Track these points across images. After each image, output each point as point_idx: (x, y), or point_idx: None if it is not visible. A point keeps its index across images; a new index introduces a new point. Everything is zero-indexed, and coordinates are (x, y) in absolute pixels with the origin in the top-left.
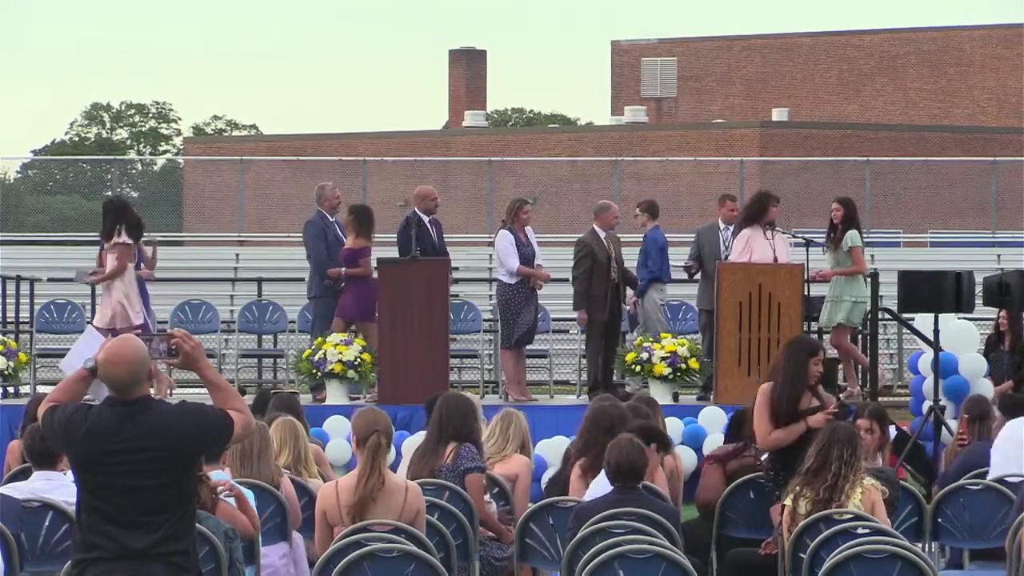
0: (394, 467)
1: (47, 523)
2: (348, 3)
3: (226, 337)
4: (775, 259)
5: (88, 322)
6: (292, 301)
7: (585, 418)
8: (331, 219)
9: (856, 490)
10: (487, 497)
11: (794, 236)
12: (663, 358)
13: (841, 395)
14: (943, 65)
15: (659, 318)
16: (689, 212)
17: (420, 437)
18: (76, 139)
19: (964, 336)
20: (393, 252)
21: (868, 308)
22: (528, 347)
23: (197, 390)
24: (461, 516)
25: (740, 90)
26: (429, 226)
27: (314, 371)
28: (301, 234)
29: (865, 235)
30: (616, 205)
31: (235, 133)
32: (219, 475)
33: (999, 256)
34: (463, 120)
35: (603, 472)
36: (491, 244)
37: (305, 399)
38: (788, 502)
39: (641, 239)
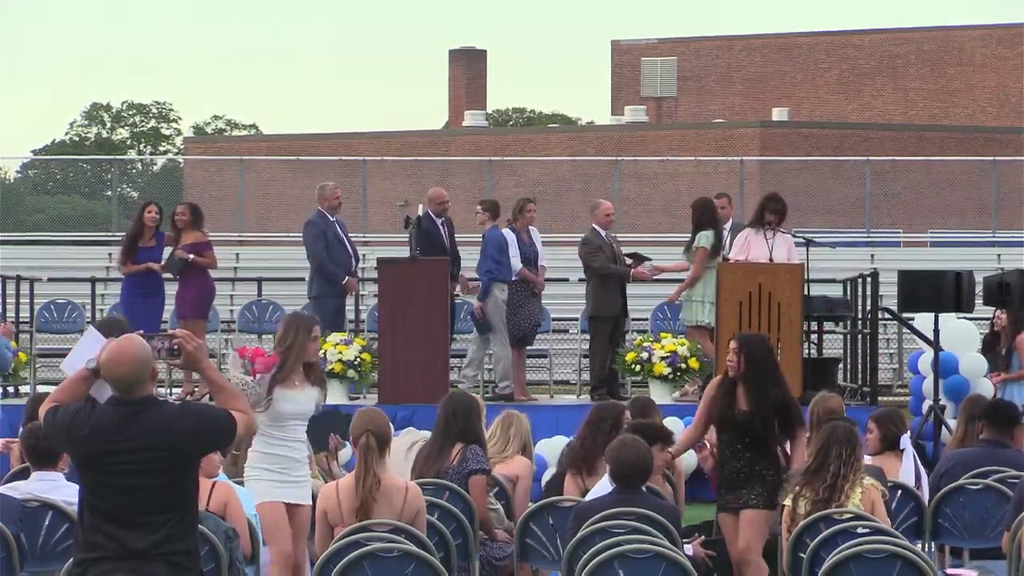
0: None
1: (47, 523)
2: (348, 3)
3: (226, 337)
4: (771, 260)
5: (88, 322)
6: (292, 301)
7: (589, 420)
8: (332, 219)
9: (856, 490)
10: (491, 499)
11: (794, 236)
12: (663, 358)
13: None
14: (943, 65)
15: (501, 318)
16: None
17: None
18: (76, 139)
19: (964, 336)
20: (393, 252)
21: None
22: (528, 347)
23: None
24: (461, 516)
25: (740, 90)
26: (441, 228)
27: None
28: (301, 234)
29: (865, 235)
30: (607, 203)
31: (235, 133)
32: (221, 476)
33: (999, 256)
34: (463, 120)
35: (605, 475)
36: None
37: None
38: (788, 502)
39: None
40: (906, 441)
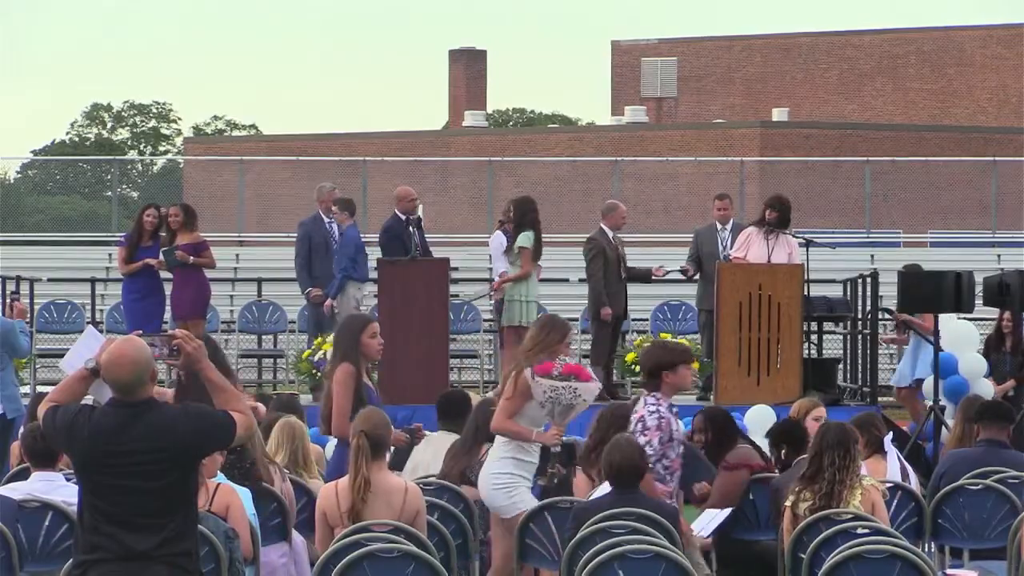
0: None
1: (47, 523)
2: (348, 3)
3: (226, 337)
4: (768, 261)
5: (88, 322)
6: (292, 301)
7: (600, 420)
8: (327, 220)
9: (855, 491)
10: None
11: (794, 236)
12: None
13: None
14: (943, 65)
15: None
16: (689, 212)
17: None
18: (76, 139)
19: (964, 336)
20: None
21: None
22: None
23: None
24: (461, 516)
25: (740, 90)
26: (410, 227)
27: (314, 371)
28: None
29: (865, 235)
30: (623, 206)
31: (235, 133)
32: (220, 477)
33: (999, 256)
34: (463, 120)
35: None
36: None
37: (305, 399)
38: (788, 503)
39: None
40: (888, 443)
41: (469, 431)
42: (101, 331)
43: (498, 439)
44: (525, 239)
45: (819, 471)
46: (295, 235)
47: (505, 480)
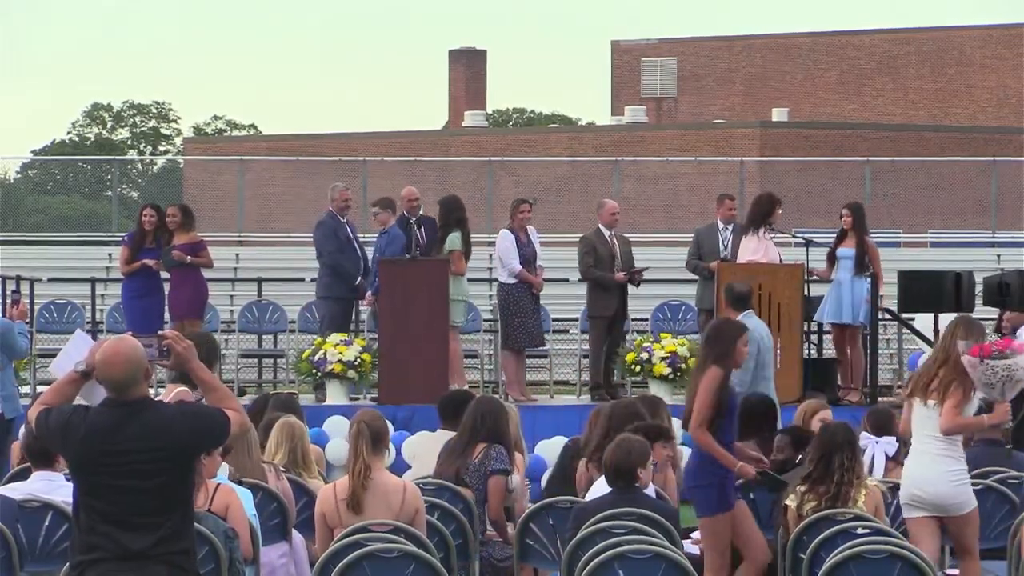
0: (399, 469)
1: (47, 523)
2: (348, 3)
3: (226, 337)
4: (780, 260)
5: (88, 322)
6: (292, 301)
7: (606, 417)
8: (341, 219)
9: (860, 491)
10: None
11: (794, 236)
12: (663, 358)
13: None
14: (943, 65)
15: None
16: (689, 212)
17: (421, 437)
18: (76, 139)
19: None
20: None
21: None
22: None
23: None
24: (461, 516)
25: (740, 90)
26: (415, 227)
27: (314, 371)
28: (304, 235)
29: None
30: (613, 202)
31: (235, 133)
32: (221, 478)
33: (999, 256)
34: (463, 120)
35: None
36: (491, 244)
37: (307, 399)
38: (791, 503)
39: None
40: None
41: (465, 431)
42: (101, 331)
43: (936, 442)
44: (453, 240)
45: (828, 472)
46: (297, 235)
47: (964, 477)
